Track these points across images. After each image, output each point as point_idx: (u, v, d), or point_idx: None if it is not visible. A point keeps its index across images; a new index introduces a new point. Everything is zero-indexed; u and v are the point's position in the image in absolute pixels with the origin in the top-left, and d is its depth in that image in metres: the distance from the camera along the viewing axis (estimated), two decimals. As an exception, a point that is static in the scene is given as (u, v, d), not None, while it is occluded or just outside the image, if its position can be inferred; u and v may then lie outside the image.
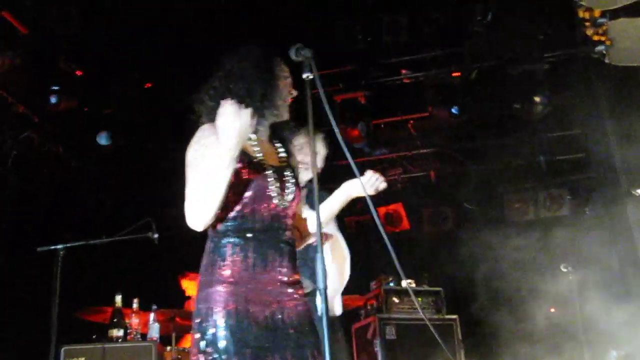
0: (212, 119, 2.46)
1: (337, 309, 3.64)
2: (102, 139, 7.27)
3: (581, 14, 5.93)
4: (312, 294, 3.21)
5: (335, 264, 3.71)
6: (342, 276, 3.75)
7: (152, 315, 5.48)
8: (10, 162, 6.63)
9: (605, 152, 6.28)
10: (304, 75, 2.39)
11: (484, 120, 7.58)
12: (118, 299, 5.32)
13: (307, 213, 2.93)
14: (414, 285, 6.26)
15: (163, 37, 6.52)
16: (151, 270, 7.15)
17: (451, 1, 6.63)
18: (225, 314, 2.36)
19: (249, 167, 2.51)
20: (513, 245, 6.79)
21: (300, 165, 3.64)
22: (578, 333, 5.87)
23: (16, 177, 6.75)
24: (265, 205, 2.52)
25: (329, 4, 6.64)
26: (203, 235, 2.53)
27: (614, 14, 5.90)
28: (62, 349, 5.06)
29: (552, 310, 7.51)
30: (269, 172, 2.58)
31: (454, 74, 7.17)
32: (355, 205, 3.72)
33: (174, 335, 5.58)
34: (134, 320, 5.38)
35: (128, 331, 5.29)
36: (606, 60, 5.85)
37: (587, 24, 5.92)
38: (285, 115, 2.66)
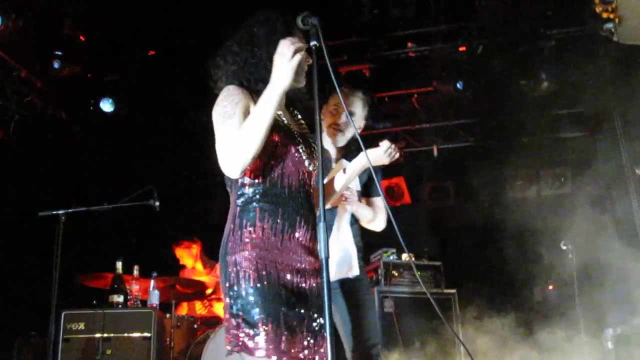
0: (232, 82, 2.52)
1: (355, 270, 3.63)
2: (106, 105, 7.26)
3: (590, -10, 5.86)
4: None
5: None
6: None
7: (152, 282, 5.52)
8: (12, 126, 6.63)
9: (610, 130, 6.26)
10: (311, 43, 2.38)
11: (488, 96, 7.53)
12: (119, 265, 5.35)
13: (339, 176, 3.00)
14: (414, 259, 6.27)
15: (167, 4, 6.47)
16: (152, 238, 7.18)
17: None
18: (256, 278, 2.37)
19: (278, 131, 2.50)
20: (514, 222, 6.79)
21: (335, 128, 3.67)
22: (575, 311, 5.91)
23: (18, 141, 6.75)
24: (294, 169, 2.53)
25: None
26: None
27: (624, -8, 5.83)
28: (63, 314, 5.12)
29: (551, 287, 7.55)
30: (298, 137, 2.59)
31: (460, 49, 7.12)
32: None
33: (173, 302, 5.63)
34: (134, 287, 5.43)
35: (128, 297, 5.34)
36: (614, 39, 5.78)
37: (596, 1, 5.84)
38: (303, 82, 2.64)
